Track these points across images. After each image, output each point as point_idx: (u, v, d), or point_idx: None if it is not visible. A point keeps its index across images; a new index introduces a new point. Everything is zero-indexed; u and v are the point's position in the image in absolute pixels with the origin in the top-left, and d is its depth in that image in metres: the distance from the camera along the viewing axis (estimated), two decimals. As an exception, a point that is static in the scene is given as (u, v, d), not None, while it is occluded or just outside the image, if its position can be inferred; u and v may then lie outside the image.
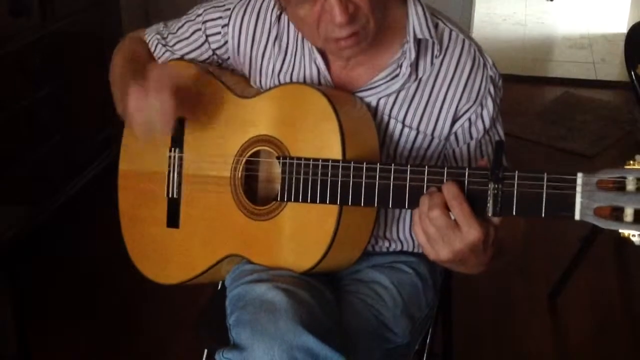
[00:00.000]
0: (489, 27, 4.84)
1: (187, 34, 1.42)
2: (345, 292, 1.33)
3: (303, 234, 1.23)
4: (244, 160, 1.29)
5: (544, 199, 1.03)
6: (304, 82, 1.33)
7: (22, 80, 2.37)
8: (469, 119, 1.29)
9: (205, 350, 1.47)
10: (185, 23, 1.43)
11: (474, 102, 1.28)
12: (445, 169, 1.09)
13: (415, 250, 1.40)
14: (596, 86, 4.00)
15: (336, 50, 1.23)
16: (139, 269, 1.41)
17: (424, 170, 1.10)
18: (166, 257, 1.38)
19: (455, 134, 1.30)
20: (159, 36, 1.45)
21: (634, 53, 2.13)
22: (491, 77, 1.30)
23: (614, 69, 4.19)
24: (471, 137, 1.31)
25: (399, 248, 1.39)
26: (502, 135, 1.34)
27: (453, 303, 1.64)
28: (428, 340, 1.46)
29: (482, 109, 1.29)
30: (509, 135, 1.37)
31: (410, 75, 1.27)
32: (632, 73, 2.09)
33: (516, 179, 1.04)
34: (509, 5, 5.25)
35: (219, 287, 1.51)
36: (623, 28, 4.55)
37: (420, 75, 1.28)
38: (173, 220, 1.36)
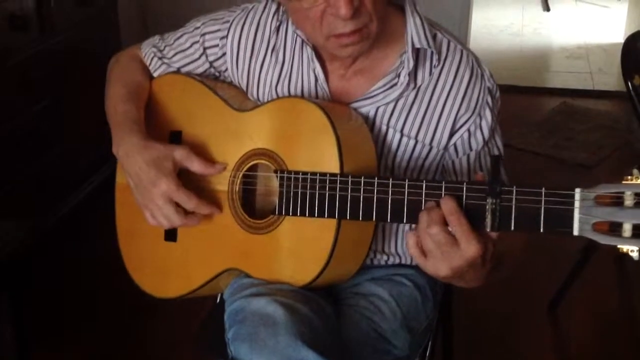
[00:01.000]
0: (486, 37, 4.85)
1: (185, 46, 1.42)
2: (344, 305, 1.32)
3: (301, 248, 1.23)
4: (241, 174, 1.29)
5: (542, 215, 1.02)
6: (302, 95, 1.33)
7: (21, 94, 2.37)
8: (468, 130, 1.29)
9: (205, 364, 1.47)
10: (182, 35, 1.43)
11: (473, 112, 1.29)
12: (443, 183, 1.09)
13: (414, 263, 1.40)
14: (593, 96, 4.01)
15: (337, 47, 1.22)
16: (136, 283, 1.41)
17: (422, 185, 1.10)
18: (164, 271, 1.38)
19: (455, 145, 1.30)
20: (155, 49, 1.45)
21: (631, 64, 2.13)
22: (489, 88, 1.30)
23: (611, 79, 4.20)
24: (470, 149, 1.31)
25: (397, 262, 1.39)
26: (500, 147, 1.34)
27: (453, 315, 1.64)
28: (428, 353, 1.46)
29: (480, 120, 1.29)
30: (506, 146, 1.37)
31: (408, 84, 1.27)
32: (629, 84, 2.10)
33: (514, 193, 1.04)
34: (506, 16, 5.27)
35: (218, 300, 1.50)
36: (620, 38, 4.57)
37: (419, 84, 1.29)
38: (171, 234, 1.36)
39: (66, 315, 2.34)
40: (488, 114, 1.30)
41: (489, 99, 1.30)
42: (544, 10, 5.42)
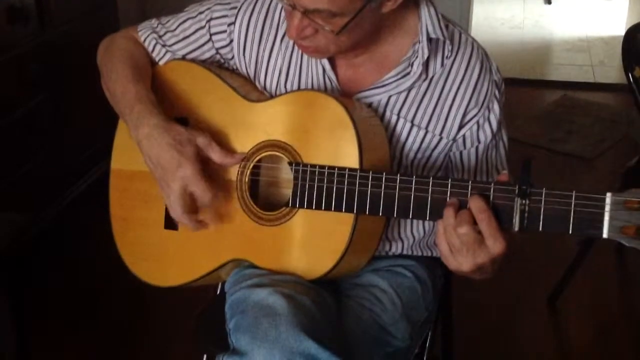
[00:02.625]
0: (487, 30, 4.84)
1: (189, 32, 1.38)
2: (344, 296, 1.32)
3: (315, 242, 1.23)
4: (251, 165, 1.28)
5: (571, 217, 1.05)
6: (311, 85, 1.32)
7: (19, 87, 2.37)
8: (477, 122, 1.30)
9: (205, 356, 1.47)
10: (186, 20, 1.39)
11: (482, 105, 1.29)
12: (470, 182, 1.11)
13: (415, 253, 1.40)
14: (595, 89, 4.00)
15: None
16: (132, 271, 1.39)
17: (447, 183, 1.12)
18: (163, 259, 1.36)
19: (464, 136, 1.31)
20: (155, 35, 1.40)
21: (631, 56, 2.12)
22: (496, 81, 1.31)
23: (612, 72, 4.19)
24: (479, 141, 1.31)
25: (399, 249, 1.39)
26: (506, 141, 1.35)
27: (453, 306, 1.64)
28: (428, 344, 1.46)
29: (489, 113, 1.30)
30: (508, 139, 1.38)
31: (420, 75, 1.27)
32: (630, 75, 2.09)
33: (543, 195, 1.06)
34: (507, 9, 5.25)
35: (218, 291, 1.50)
36: (621, 31, 4.54)
37: (430, 75, 1.29)
38: (172, 222, 1.34)
39: (66, 311, 2.33)
40: (496, 107, 1.30)
41: (497, 92, 1.31)
42: (545, 3, 5.41)
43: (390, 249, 1.38)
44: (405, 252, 1.40)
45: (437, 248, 1.14)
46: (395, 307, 1.32)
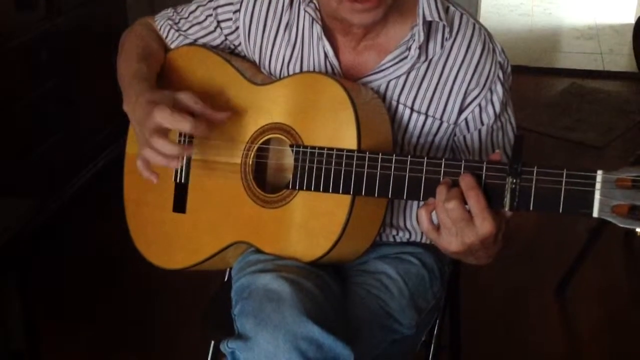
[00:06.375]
0: (496, 17, 4.82)
1: (201, 19, 1.41)
2: (351, 283, 1.32)
3: (313, 224, 1.23)
4: (255, 148, 1.29)
5: (562, 196, 1.02)
6: (320, 71, 1.32)
7: (27, 74, 2.37)
8: (479, 105, 1.29)
9: (212, 342, 1.48)
10: (197, 7, 1.42)
11: (483, 87, 1.28)
12: (463, 162, 1.09)
13: (423, 240, 1.40)
14: (604, 77, 3.99)
15: (349, 12, 1.19)
16: (142, 253, 1.40)
17: (441, 163, 1.10)
18: (171, 242, 1.37)
19: (466, 119, 1.30)
20: (170, 22, 1.44)
21: (642, 43, 2.11)
22: (500, 63, 1.30)
23: (621, 60, 4.17)
24: (482, 123, 1.30)
25: (406, 237, 1.39)
26: (513, 121, 1.34)
27: (460, 294, 1.64)
28: (435, 332, 1.46)
29: (491, 94, 1.29)
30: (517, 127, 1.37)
31: (419, 57, 1.27)
32: (640, 63, 2.08)
33: (535, 174, 1.04)
34: (516, -4, 5.23)
35: (226, 278, 1.51)
36: (631, 18, 4.53)
37: (430, 56, 1.28)
38: (179, 205, 1.36)
39: (67, 311, 2.31)
40: (499, 88, 1.29)
41: (500, 74, 1.29)
42: (554, -10, 5.38)
43: (397, 233, 1.38)
44: (412, 239, 1.40)
45: None
46: (403, 295, 1.32)
